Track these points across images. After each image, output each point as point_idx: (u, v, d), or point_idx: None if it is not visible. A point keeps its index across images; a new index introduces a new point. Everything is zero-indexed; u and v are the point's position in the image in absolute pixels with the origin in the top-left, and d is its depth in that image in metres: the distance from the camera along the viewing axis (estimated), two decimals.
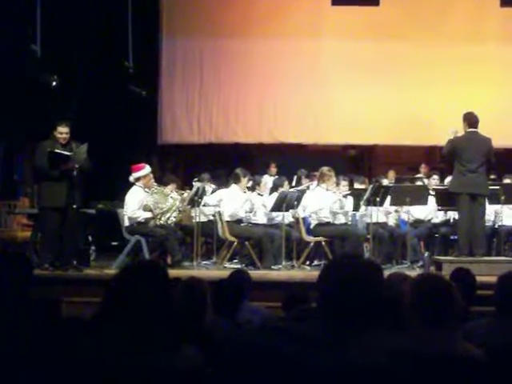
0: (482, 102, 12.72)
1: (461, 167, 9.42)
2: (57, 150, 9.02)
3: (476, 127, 9.46)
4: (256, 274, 8.35)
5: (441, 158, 10.73)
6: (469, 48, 13.09)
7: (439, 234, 10.86)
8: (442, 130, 12.79)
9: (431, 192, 10.70)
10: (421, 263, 10.33)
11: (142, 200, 10.12)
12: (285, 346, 2.53)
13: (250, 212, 10.46)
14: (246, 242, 10.35)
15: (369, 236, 10.24)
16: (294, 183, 12.23)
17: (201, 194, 10.38)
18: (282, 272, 9.84)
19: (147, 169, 10.36)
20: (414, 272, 8.80)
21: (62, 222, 9.15)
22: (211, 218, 10.85)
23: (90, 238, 11.08)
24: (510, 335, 3.53)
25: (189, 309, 3.94)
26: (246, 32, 13.50)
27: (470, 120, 9.48)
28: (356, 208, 10.59)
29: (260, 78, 13.57)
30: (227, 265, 10.30)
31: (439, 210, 10.72)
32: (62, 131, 9.21)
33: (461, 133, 9.53)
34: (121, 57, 12.01)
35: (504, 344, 3.31)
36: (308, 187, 11.23)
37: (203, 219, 10.75)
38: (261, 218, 10.59)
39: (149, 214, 10.14)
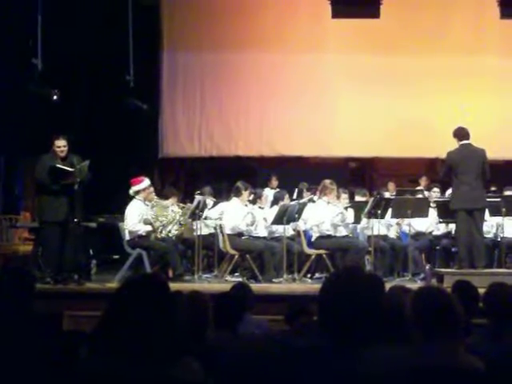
0: (482, 113, 12.76)
1: (456, 180, 9.46)
2: (58, 165, 9.02)
3: (468, 139, 9.50)
4: (257, 287, 8.33)
5: (440, 178, 10.70)
6: (469, 60, 13.11)
7: (440, 247, 10.83)
8: (442, 142, 12.84)
9: (432, 204, 10.70)
10: (422, 276, 10.31)
11: (142, 213, 10.10)
12: (286, 360, 2.53)
13: (251, 225, 10.44)
14: (247, 255, 10.34)
15: (370, 248, 10.23)
16: (295, 196, 12.22)
17: (202, 207, 10.38)
18: (283, 285, 9.81)
19: (146, 182, 10.35)
20: (415, 284, 8.78)
21: (63, 236, 9.15)
22: (212, 231, 10.85)
23: (91, 252, 11.06)
24: (505, 345, 3.52)
25: (190, 322, 3.93)
26: (247, 46, 13.52)
27: (460, 134, 9.53)
28: (357, 220, 10.59)
29: (261, 91, 13.59)
30: (228, 278, 10.26)
31: (440, 222, 10.72)
32: (60, 144, 9.22)
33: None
34: (121, 70, 12.02)
35: (501, 355, 3.31)
36: (309, 200, 11.21)
37: (204, 232, 10.75)
38: (262, 231, 10.58)
39: (149, 228, 10.12)
